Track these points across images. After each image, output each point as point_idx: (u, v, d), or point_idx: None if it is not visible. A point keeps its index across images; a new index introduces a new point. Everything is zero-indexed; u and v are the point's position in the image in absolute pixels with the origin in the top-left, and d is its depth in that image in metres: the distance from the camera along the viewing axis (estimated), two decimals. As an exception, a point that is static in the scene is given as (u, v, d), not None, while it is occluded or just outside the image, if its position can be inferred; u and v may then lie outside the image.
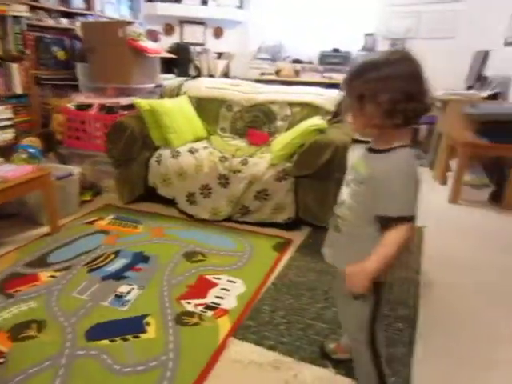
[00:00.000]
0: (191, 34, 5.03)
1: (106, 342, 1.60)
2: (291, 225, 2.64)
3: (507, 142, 3.07)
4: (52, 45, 3.32)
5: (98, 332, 1.66)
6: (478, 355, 1.60)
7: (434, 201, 3.27)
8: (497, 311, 1.89)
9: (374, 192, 1.06)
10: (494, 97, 3.59)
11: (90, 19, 3.85)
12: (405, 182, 1.02)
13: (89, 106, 3.18)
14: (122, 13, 4.43)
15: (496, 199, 3.30)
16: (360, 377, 1.31)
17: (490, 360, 1.58)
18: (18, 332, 1.65)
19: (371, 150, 1.12)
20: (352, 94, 1.04)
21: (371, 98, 0.99)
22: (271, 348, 1.59)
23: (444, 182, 3.78)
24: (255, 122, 3.17)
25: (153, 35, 4.23)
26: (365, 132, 1.09)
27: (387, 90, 0.96)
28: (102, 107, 3.16)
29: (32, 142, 2.88)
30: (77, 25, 3.51)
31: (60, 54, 3.40)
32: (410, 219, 1.03)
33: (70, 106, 3.18)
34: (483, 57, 3.74)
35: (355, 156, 1.19)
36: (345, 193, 1.18)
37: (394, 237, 1.04)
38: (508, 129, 3.02)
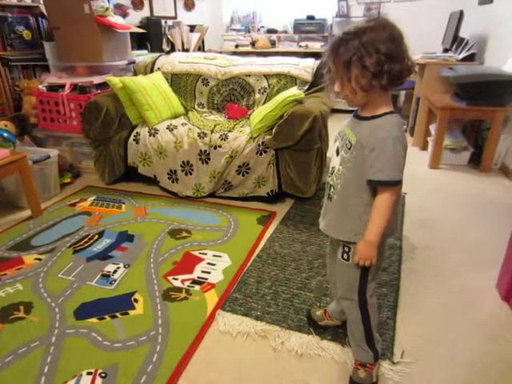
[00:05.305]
0: (161, 7, 4.84)
1: (94, 319, 1.62)
2: (274, 198, 2.66)
3: (485, 104, 3.09)
4: (16, 24, 3.18)
5: (86, 311, 1.68)
6: (460, 317, 1.66)
7: (414, 166, 3.30)
8: (478, 273, 1.94)
9: (364, 157, 1.09)
10: (470, 58, 3.59)
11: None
12: (395, 147, 1.06)
13: (61, 86, 3.08)
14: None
15: (476, 162, 3.36)
16: (351, 336, 1.36)
17: (472, 321, 1.63)
18: (6, 314, 1.66)
19: (358, 117, 1.15)
20: (338, 62, 1.06)
21: (358, 63, 1.02)
22: (258, 318, 1.63)
23: (424, 147, 3.82)
24: (233, 96, 3.13)
25: (121, 10, 4.05)
26: (354, 100, 1.11)
27: (372, 54, 1.00)
28: (75, 87, 3.06)
29: (5, 126, 2.80)
30: (41, 2, 3.35)
31: (26, 34, 3.26)
32: (399, 183, 1.09)
33: (42, 87, 3.07)
34: (458, 17, 3.72)
35: (343, 124, 1.21)
36: (335, 161, 1.21)
37: (385, 201, 1.10)
38: (485, 91, 3.03)
